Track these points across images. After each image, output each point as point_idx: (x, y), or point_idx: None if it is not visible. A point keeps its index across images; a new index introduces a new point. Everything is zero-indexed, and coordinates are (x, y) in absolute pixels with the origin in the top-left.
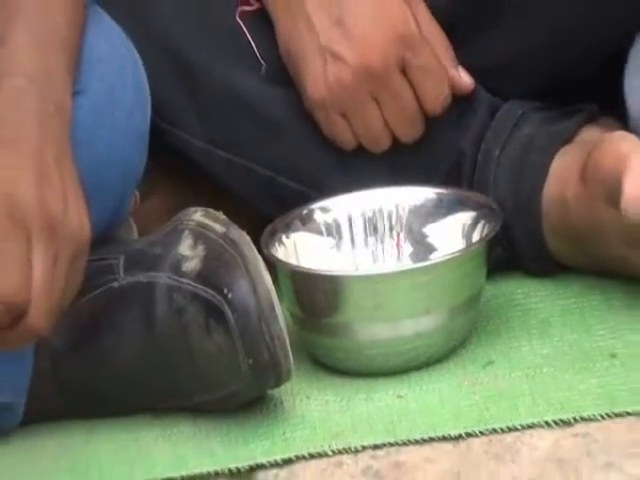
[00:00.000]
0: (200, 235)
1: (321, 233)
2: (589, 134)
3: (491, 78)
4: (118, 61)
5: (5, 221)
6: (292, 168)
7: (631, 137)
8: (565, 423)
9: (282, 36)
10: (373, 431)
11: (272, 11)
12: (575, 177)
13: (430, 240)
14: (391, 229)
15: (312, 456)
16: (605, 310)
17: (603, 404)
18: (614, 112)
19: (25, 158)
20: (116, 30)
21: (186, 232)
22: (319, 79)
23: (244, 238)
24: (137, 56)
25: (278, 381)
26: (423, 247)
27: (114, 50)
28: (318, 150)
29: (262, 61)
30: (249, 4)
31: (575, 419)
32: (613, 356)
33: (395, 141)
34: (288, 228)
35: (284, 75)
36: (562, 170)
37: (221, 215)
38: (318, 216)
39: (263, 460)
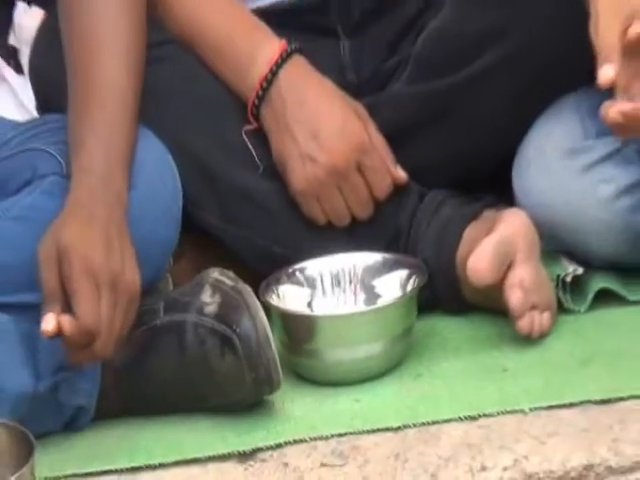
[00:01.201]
0: (217, 288)
1: (301, 285)
2: (489, 214)
3: (419, 174)
4: (159, 168)
5: (82, 275)
6: (282, 238)
7: (518, 214)
8: (472, 418)
9: (274, 145)
10: (338, 424)
11: (267, 129)
12: (480, 241)
13: (377, 290)
14: (350, 282)
15: (296, 442)
16: (499, 338)
17: (499, 404)
18: (510, 198)
19: (97, 232)
20: (158, 145)
21: (207, 286)
22: (300, 176)
23: (247, 289)
24: (173, 163)
25: (271, 390)
26: (372, 295)
27: (157, 160)
28: (300, 225)
29: (260, 164)
30: (251, 124)
31: (479, 415)
32: (505, 370)
33: (353, 218)
34: (278, 282)
35: (276, 173)
36: (471, 238)
37: (231, 273)
38: (299, 273)
39: (261, 445)
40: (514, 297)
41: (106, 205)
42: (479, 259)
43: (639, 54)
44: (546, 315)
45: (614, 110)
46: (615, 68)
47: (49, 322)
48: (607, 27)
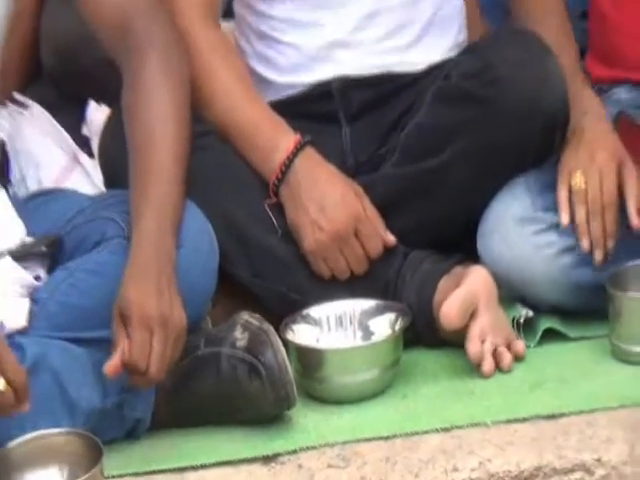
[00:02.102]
0: (246, 327)
1: (312, 325)
2: (458, 270)
3: (404, 237)
4: (201, 233)
5: (138, 320)
6: (296, 288)
7: (480, 271)
8: (446, 429)
9: (290, 216)
10: (342, 434)
11: (284, 203)
12: (451, 291)
13: (372, 329)
14: (350, 323)
15: (308, 448)
16: (468, 367)
17: (467, 419)
18: (475, 256)
19: (151, 285)
20: (200, 215)
21: (238, 325)
22: (311, 240)
23: (270, 328)
24: (211, 229)
25: (289, 406)
26: (368, 333)
27: (199, 226)
28: (311, 277)
29: (278, 230)
30: (272, 199)
31: (452, 427)
32: (472, 392)
33: (352, 273)
34: (294, 322)
35: (291, 237)
36: (444, 289)
37: (257, 315)
38: (310, 315)
39: (281, 450)
40: (472, 349)
41: (158, 262)
42: (449, 308)
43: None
44: (517, 343)
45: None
46: (567, 217)
47: (111, 371)
48: (561, 182)
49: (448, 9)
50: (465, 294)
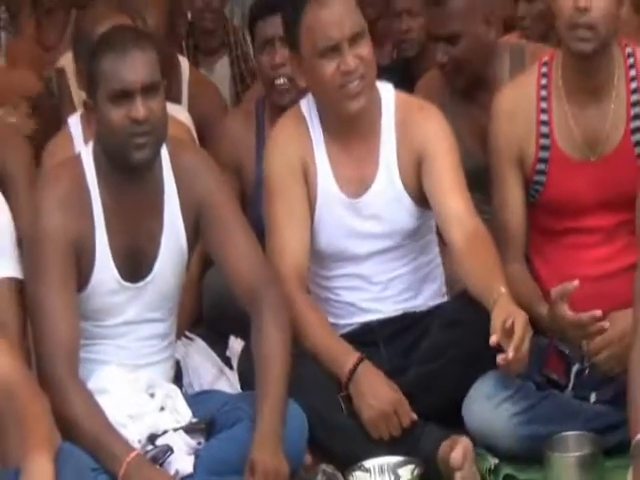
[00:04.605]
0: (324, 472)
1: (364, 471)
2: (454, 436)
3: (422, 411)
4: (296, 416)
5: (261, 472)
6: (358, 447)
7: (465, 440)
8: None
9: (355, 402)
10: None
11: (352, 395)
12: (447, 450)
13: (400, 474)
14: (387, 470)
15: None
16: None
17: None
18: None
19: (268, 451)
20: (297, 406)
21: (320, 472)
22: (367, 416)
23: (339, 474)
24: (303, 414)
25: None
26: (397, 477)
27: (295, 412)
28: (365, 441)
29: (344, 410)
30: (343, 392)
31: None
32: None
33: (392, 437)
34: (353, 470)
35: (355, 414)
36: (444, 447)
37: (331, 465)
38: (364, 465)
39: None
40: (455, 455)
41: (272, 437)
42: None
43: (510, 334)
44: None
45: (499, 359)
46: (497, 339)
47: None
48: (496, 317)
49: (433, 274)
50: (456, 455)
